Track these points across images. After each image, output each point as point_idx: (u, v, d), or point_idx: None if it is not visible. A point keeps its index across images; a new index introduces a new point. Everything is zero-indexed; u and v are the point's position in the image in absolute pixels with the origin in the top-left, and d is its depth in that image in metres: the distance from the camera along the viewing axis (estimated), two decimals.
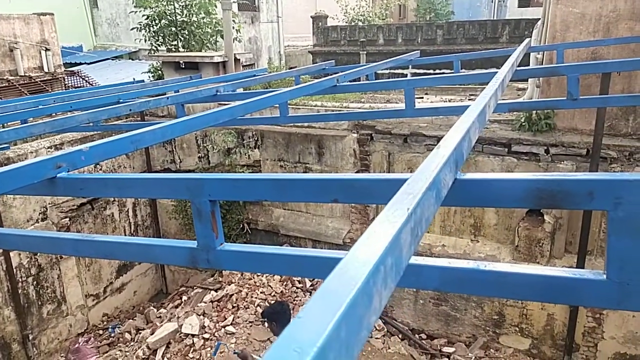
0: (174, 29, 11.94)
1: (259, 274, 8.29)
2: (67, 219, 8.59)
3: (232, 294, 7.99)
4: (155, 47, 12.29)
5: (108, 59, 19.62)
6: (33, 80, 13.79)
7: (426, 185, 0.95)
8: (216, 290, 8.31)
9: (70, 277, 8.82)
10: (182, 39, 12.04)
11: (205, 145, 9.99)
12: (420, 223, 0.89)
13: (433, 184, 0.99)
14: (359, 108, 8.47)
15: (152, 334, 7.71)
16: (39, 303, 8.29)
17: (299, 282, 8.37)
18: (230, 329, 7.29)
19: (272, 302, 7.80)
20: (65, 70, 15.45)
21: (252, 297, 7.92)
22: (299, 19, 25.54)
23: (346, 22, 23.43)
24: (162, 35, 12.08)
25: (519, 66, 4.11)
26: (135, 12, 12.15)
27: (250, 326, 7.37)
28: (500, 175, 1.19)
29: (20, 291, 7.91)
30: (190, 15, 12.08)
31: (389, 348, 7.52)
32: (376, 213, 8.01)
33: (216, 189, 1.52)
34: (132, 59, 20.12)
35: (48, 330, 8.46)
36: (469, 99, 9.35)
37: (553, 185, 1.09)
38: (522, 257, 7.19)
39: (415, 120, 7.71)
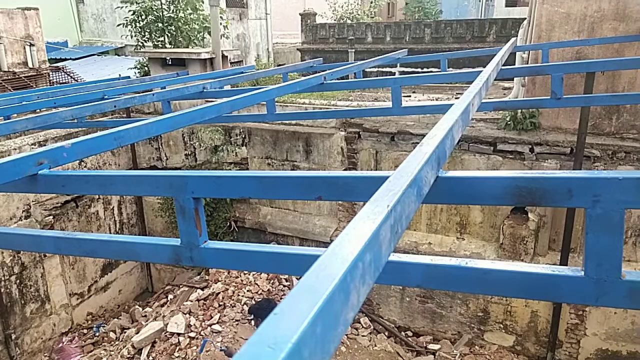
0: (160, 24, 11.84)
1: (245, 272, 8.27)
2: (51, 217, 8.48)
3: (219, 293, 7.96)
4: (141, 43, 12.17)
5: (94, 54, 19.38)
6: (17, 76, 13.56)
7: (407, 182, 0.96)
8: (202, 289, 8.27)
9: (54, 276, 8.71)
10: (169, 35, 11.94)
11: (192, 142, 9.93)
12: (400, 220, 0.89)
13: (414, 182, 0.99)
14: (347, 106, 8.48)
15: (137, 333, 7.65)
16: (22, 302, 8.18)
17: (286, 280, 8.36)
18: (217, 327, 7.26)
19: (259, 299, 7.80)
20: (50, 66, 15.22)
21: (238, 295, 7.90)
22: (287, 16, 25.48)
23: (335, 20, 23.42)
24: (148, 31, 11.97)
25: (504, 65, 4.15)
26: (122, 7, 12.02)
27: (237, 324, 7.35)
28: (482, 173, 1.21)
29: (2, 290, 7.79)
30: (177, 11, 11.98)
31: (375, 345, 7.55)
32: None
33: (199, 186, 1.51)
34: (118, 55, 19.90)
35: (31, 330, 8.35)
36: (456, 98, 9.40)
37: (533, 183, 1.10)
38: (507, 255, 7.26)
39: (402, 118, 7.74)
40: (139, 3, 11.78)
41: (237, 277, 8.32)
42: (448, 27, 19.57)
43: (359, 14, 23.87)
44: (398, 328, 8.26)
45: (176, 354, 7.00)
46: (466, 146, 7.37)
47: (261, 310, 5.22)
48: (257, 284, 8.18)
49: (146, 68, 11.08)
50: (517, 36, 7.95)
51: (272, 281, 8.29)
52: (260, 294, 8.01)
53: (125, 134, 2.19)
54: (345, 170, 8.30)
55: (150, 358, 7.09)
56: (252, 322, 7.38)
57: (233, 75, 6.90)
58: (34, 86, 13.13)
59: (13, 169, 1.69)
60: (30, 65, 14.17)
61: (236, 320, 7.41)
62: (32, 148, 8.01)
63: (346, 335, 7.55)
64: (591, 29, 6.58)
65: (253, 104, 4.40)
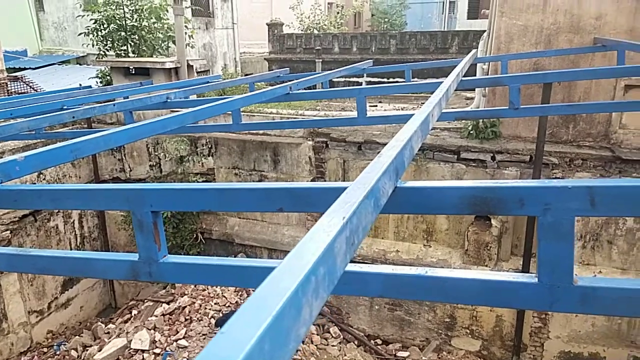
0: (123, 33, 11.62)
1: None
2: (8, 232, 8.14)
3: (185, 306, 7.79)
4: (103, 52, 11.91)
5: (54, 64, 18.80)
6: None
7: (364, 194, 0.96)
8: (168, 303, 8.08)
9: (12, 293, 8.34)
10: (132, 44, 11.73)
11: (157, 153, 9.74)
12: (357, 231, 0.89)
13: (371, 193, 1.00)
14: (314, 116, 8.51)
15: (99, 350, 7.38)
16: None
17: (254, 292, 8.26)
18: (183, 342, 7.09)
19: (226, 312, 7.67)
20: (7, 76, 14.65)
21: (205, 308, 7.75)
22: (254, 25, 25.45)
23: (302, 30, 23.57)
24: (110, 39, 11.72)
25: (465, 76, 4.26)
26: (83, 16, 11.76)
27: (204, 339, 7.20)
28: (439, 183, 1.23)
29: None
30: (141, 20, 11.79)
31: (345, 355, 7.53)
32: None
33: (158, 199, 1.48)
34: (80, 64, 19.38)
35: None
36: (420, 107, 9.57)
37: (486, 192, 1.13)
38: (472, 261, 7.40)
39: (369, 128, 7.82)
40: (101, 12, 11.54)
41: (204, 290, 8.16)
42: (413, 38, 20.00)
43: (325, 25, 24.11)
44: (368, 337, 8.28)
45: None
46: (431, 155, 7.51)
47: None
48: (224, 297, 8.05)
49: (108, 77, 10.84)
50: (477, 48, 8.19)
51: (240, 293, 8.18)
52: (228, 306, 7.88)
53: (82, 146, 2.12)
54: (313, 179, 8.31)
55: None
56: None
57: (198, 84, 6.83)
58: None
59: None
60: None
61: (203, 335, 7.26)
62: None
63: (316, 345, 7.51)
64: (548, 41, 6.84)
65: (218, 114, 4.36)
